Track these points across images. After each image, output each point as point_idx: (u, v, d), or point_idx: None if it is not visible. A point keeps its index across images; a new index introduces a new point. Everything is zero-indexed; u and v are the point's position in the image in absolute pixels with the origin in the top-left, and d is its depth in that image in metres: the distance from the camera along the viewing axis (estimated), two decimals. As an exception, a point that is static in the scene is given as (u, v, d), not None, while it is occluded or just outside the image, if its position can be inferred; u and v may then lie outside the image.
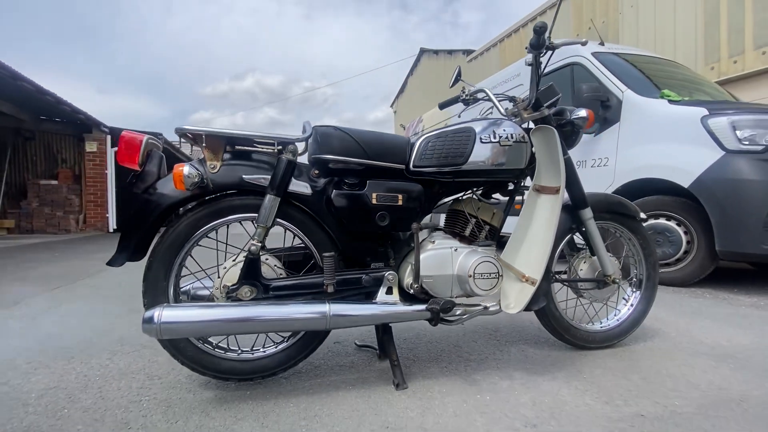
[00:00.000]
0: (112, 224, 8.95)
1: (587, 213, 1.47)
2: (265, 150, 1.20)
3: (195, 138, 1.14)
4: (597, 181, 3.39)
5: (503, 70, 5.18)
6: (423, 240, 1.33)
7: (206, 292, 1.29)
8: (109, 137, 8.96)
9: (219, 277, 1.19)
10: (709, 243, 2.69)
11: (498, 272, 1.25)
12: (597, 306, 1.70)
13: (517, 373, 1.38)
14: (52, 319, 2.07)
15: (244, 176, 1.16)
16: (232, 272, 1.18)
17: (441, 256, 1.26)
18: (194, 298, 1.31)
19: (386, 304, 1.21)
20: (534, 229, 1.33)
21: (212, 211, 1.18)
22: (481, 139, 1.31)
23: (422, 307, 1.23)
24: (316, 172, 1.24)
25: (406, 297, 1.26)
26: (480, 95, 1.68)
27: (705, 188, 2.63)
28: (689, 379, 1.33)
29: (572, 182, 1.46)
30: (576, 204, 1.47)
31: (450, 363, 1.46)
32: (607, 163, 3.37)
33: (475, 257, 1.24)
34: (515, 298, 1.28)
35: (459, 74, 1.78)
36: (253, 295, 1.15)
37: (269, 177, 1.17)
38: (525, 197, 1.39)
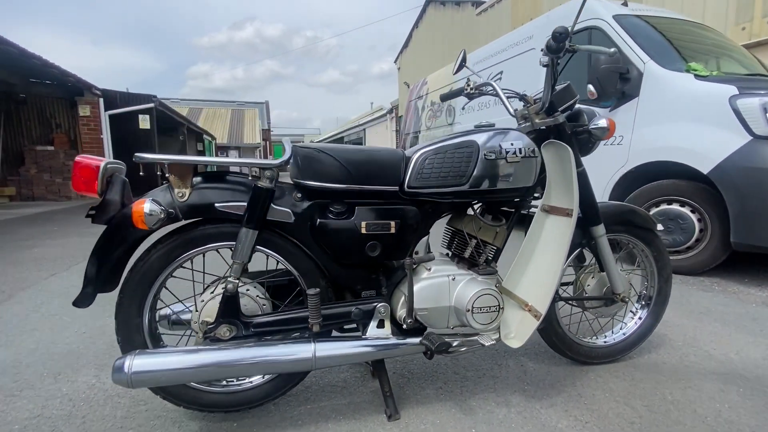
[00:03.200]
0: (113, 191, 8.88)
1: (600, 230, 1.35)
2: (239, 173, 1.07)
3: (159, 164, 1.01)
4: (609, 161, 3.20)
5: (515, 31, 4.78)
6: (418, 266, 1.22)
7: (189, 316, 1.22)
8: (101, 100, 8.66)
9: (197, 311, 1.11)
10: (724, 232, 2.56)
11: (498, 305, 1.16)
12: (602, 320, 1.62)
13: (515, 398, 1.32)
14: (44, 319, 2.04)
15: (216, 204, 1.04)
16: (210, 306, 1.10)
17: (437, 287, 1.16)
18: (175, 324, 1.24)
19: (377, 339, 1.13)
20: (541, 254, 1.21)
21: (185, 240, 1.08)
22: (485, 155, 1.16)
23: (416, 340, 1.15)
24: (299, 195, 1.11)
25: (400, 329, 1.18)
26: (487, 89, 1.49)
27: (725, 176, 2.46)
28: (696, 407, 1.27)
29: (586, 196, 1.32)
30: (588, 220, 1.34)
31: (446, 383, 1.41)
32: (621, 142, 3.15)
33: (474, 289, 1.14)
34: (516, 328, 1.19)
35: (464, 59, 1.58)
36: (233, 333, 1.07)
37: (245, 204, 1.05)
38: (534, 215, 1.26)
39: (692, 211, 2.72)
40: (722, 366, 1.52)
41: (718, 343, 1.72)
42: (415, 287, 1.15)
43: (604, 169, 3.25)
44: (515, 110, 1.35)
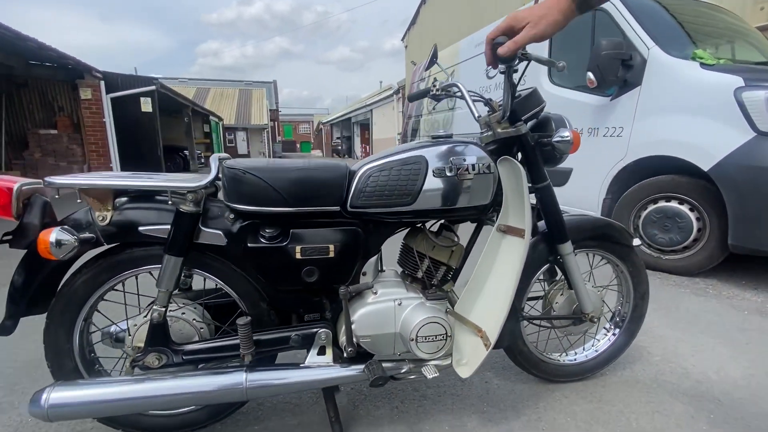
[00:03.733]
0: (117, 174, 8.93)
1: (567, 248, 1.25)
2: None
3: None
4: (607, 154, 3.05)
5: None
6: (355, 295, 1.15)
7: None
8: (103, 83, 8.59)
9: (130, 335, 1.07)
10: (723, 233, 2.43)
11: (446, 333, 1.09)
12: (573, 337, 1.54)
13: (471, 422, 1.27)
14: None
15: (141, 228, 0.98)
16: (143, 331, 1.05)
17: (382, 313, 1.09)
18: (118, 342, 1.20)
19: (318, 367, 1.08)
20: (495, 277, 1.13)
21: (112, 264, 1.02)
22: (433, 172, 1.07)
23: (360, 368, 1.09)
24: (231, 216, 1.04)
25: (344, 356, 1.12)
26: (453, 90, 1.38)
27: (726, 174, 2.31)
28: (659, 437, 1.20)
29: (551, 212, 1.23)
30: (555, 237, 1.25)
31: (403, 401, 1.37)
32: (621, 134, 2.99)
33: (419, 317, 1.07)
34: (468, 355, 1.13)
35: (435, 55, 1.46)
36: (163, 362, 1.02)
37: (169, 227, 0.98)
38: (490, 236, 1.17)
39: (691, 210, 2.58)
40: (698, 387, 1.45)
41: (699, 359, 1.63)
42: (359, 313, 1.09)
43: (602, 164, 3.09)
44: (479, 116, 1.25)
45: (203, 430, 1.22)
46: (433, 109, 6.39)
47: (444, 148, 1.09)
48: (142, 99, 9.30)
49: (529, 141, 1.15)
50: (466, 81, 1.47)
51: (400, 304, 1.10)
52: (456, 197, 1.08)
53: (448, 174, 1.07)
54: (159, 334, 1.02)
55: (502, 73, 1.09)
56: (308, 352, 1.10)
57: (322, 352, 1.10)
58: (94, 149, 8.71)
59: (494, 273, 1.14)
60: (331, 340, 1.11)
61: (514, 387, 1.46)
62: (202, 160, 15.47)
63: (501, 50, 0.96)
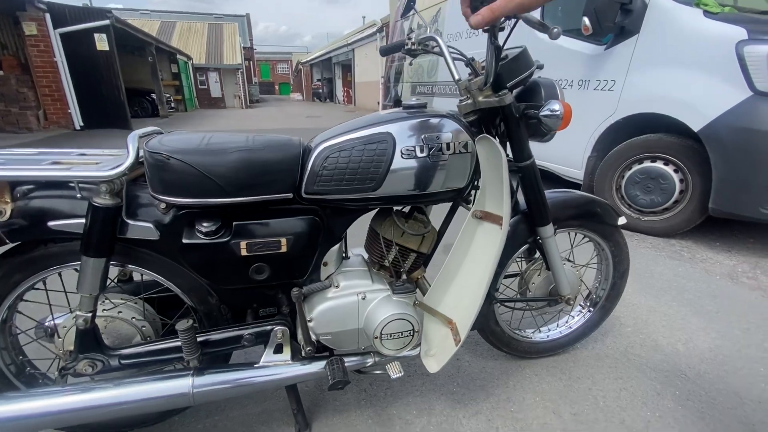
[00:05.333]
0: (78, 121, 8.29)
1: (548, 230, 1.16)
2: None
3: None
4: (596, 110, 2.89)
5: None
6: (328, 276, 1.05)
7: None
8: (48, 16, 7.64)
9: (60, 337, 0.95)
10: (704, 196, 2.38)
11: (413, 329, 1.01)
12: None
13: (439, 404, 1.25)
14: None
15: (50, 223, 0.82)
16: (72, 334, 0.94)
17: (344, 309, 1.00)
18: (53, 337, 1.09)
19: (274, 365, 1.00)
20: (469, 267, 1.04)
21: (25, 262, 0.88)
22: (401, 152, 0.92)
23: (321, 365, 1.02)
24: (163, 206, 0.89)
25: (302, 354, 1.04)
26: (431, 45, 1.18)
27: (716, 136, 2.21)
28: (625, 417, 1.21)
29: (533, 193, 1.11)
30: (536, 219, 1.14)
31: (371, 384, 1.33)
32: (612, 87, 2.81)
33: (384, 313, 0.98)
34: (437, 347, 1.06)
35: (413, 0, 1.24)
36: (97, 369, 0.92)
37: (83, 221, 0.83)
38: (464, 222, 1.05)
39: (675, 171, 2.51)
40: (666, 360, 1.46)
41: (669, 329, 1.64)
42: (319, 309, 0.99)
43: (590, 120, 2.94)
44: (459, 79, 1.07)
45: (161, 424, 1.17)
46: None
47: (415, 122, 0.93)
48: (96, 35, 8.34)
49: (513, 113, 0.99)
50: (453, 23, 1.25)
51: (364, 299, 1.01)
52: (428, 181, 0.95)
53: (420, 154, 0.92)
54: (89, 340, 0.90)
55: (485, 32, 0.91)
56: (264, 350, 1.01)
57: (278, 349, 1.02)
58: (47, 93, 7.97)
59: (468, 262, 1.04)
60: (289, 337, 1.02)
61: (486, 364, 1.43)
62: (172, 105, 14.49)
63: (473, 20, 0.79)
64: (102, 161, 0.84)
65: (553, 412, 1.23)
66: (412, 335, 1.01)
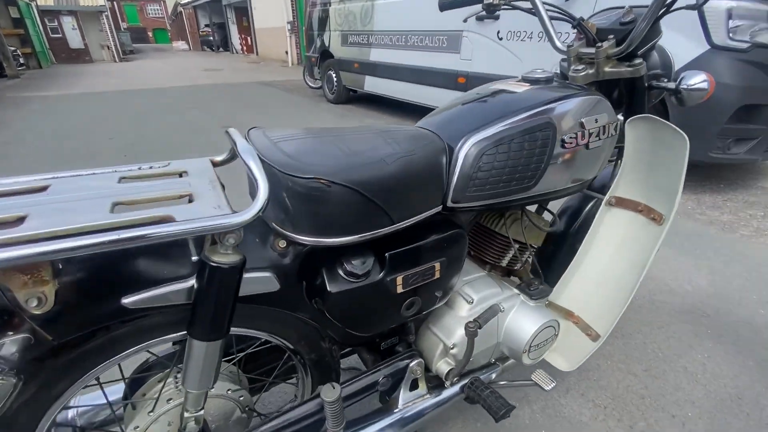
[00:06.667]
0: None
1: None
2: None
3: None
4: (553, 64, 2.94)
5: None
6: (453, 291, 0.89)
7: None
8: None
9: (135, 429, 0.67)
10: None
11: (555, 334, 0.93)
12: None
13: (531, 393, 1.24)
14: None
15: (125, 300, 0.53)
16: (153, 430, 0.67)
17: (485, 326, 0.87)
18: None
19: (414, 404, 0.85)
20: (595, 256, 0.97)
21: (69, 362, 0.57)
22: (563, 141, 0.77)
23: (456, 389, 0.90)
24: (282, 243, 0.63)
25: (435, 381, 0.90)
26: (522, 1, 1.02)
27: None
28: (685, 364, 1.33)
29: None
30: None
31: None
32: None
33: (533, 324, 0.87)
34: (560, 342, 1.01)
35: None
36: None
37: (189, 283, 0.55)
38: (601, 215, 0.97)
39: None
40: (684, 302, 1.63)
41: (671, 272, 1.84)
42: (460, 332, 0.84)
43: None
44: (569, 46, 0.93)
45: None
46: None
47: (572, 106, 0.79)
48: None
49: (644, 85, 0.90)
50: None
51: (502, 310, 0.89)
52: (583, 172, 0.84)
53: (580, 142, 0.79)
54: (201, 441, 0.65)
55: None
56: (399, 390, 0.85)
57: (414, 385, 0.86)
58: None
59: (595, 251, 0.97)
60: (424, 369, 0.87)
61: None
62: (21, 60, 11.41)
63: None
64: (198, 186, 0.54)
65: (628, 372, 1.31)
66: (554, 341, 0.94)
